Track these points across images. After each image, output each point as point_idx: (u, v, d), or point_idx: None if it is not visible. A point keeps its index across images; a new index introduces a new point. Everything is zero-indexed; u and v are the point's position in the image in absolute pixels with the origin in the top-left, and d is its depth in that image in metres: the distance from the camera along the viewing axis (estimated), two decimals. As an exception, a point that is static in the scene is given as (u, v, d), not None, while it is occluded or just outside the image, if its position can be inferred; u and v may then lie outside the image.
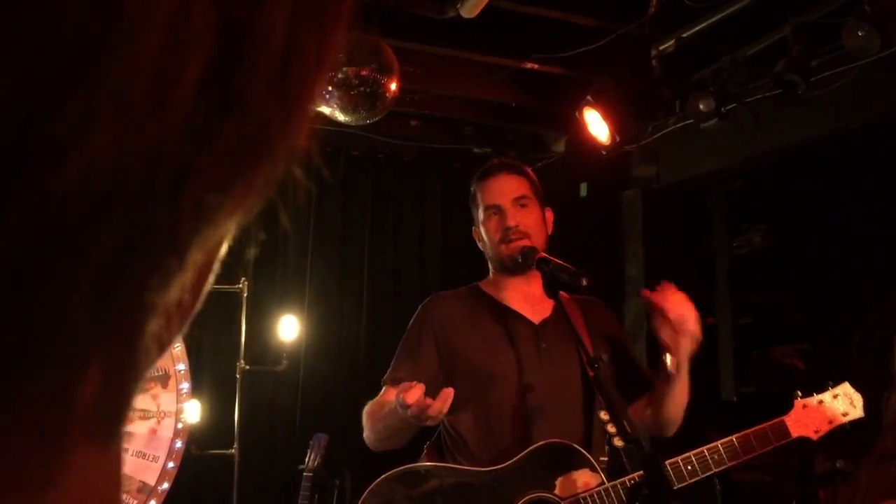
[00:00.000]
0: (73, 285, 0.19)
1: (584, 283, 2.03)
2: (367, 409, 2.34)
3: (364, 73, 3.29)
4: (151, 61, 0.18)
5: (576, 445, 2.19)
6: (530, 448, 2.19)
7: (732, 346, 4.60)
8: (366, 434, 2.31)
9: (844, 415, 2.27)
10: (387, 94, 3.40)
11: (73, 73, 0.17)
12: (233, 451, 3.92)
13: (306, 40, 0.22)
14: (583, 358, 2.24)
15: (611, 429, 1.95)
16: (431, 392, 2.24)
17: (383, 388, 2.36)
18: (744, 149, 4.00)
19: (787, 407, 2.34)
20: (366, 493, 2.23)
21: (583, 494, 2.14)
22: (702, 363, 4.57)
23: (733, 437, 2.18)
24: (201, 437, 3.89)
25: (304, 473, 3.37)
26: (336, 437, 3.63)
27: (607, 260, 4.64)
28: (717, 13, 3.37)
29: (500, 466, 2.21)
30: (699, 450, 2.16)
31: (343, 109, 3.41)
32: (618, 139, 3.99)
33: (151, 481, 3.52)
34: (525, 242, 2.30)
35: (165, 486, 3.53)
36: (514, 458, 2.19)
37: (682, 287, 4.87)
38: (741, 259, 4.67)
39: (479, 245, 2.48)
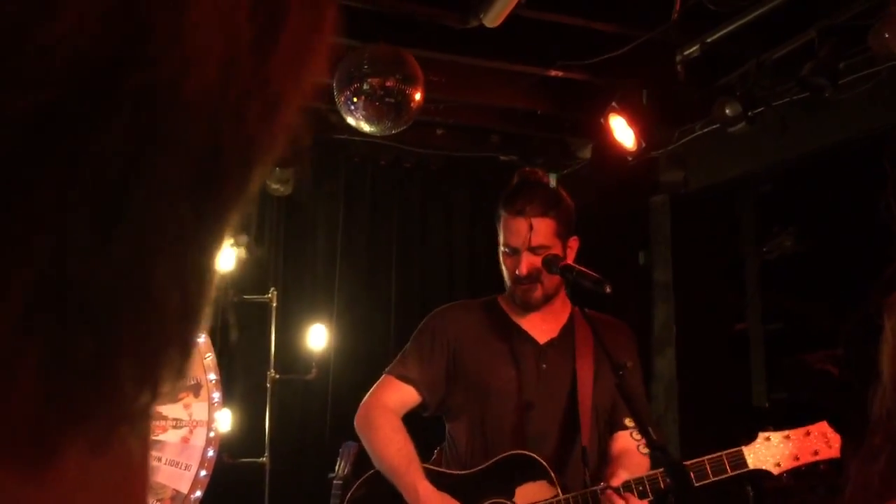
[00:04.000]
0: (174, 183, 0.21)
1: (608, 290, 2.04)
2: (373, 410, 2.39)
3: (389, 83, 3.32)
4: None
5: (539, 459, 2.24)
6: (497, 457, 2.28)
7: (763, 351, 4.56)
8: (366, 439, 2.39)
9: (815, 453, 2.20)
10: (412, 104, 3.43)
11: None
12: (264, 459, 3.95)
13: None
14: (578, 381, 2.30)
15: (636, 436, 1.95)
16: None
17: (386, 377, 2.44)
18: (772, 153, 3.97)
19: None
20: (358, 482, 2.39)
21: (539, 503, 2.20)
22: (732, 368, 4.55)
23: (688, 464, 2.14)
24: (233, 445, 3.94)
25: (335, 481, 3.39)
26: (365, 446, 3.65)
27: (635, 266, 4.63)
28: (741, 17, 3.35)
29: (468, 472, 2.31)
30: (653, 472, 2.14)
31: (368, 120, 3.44)
32: (644, 145, 3.97)
33: (184, 489, 3.57)
34: (536, 291, 2.35)
35: (198, 493, 3.57)
36: (482, 466, 2.29)
37: (712, 292, 4.80)
38: (771, 264, 4.63)
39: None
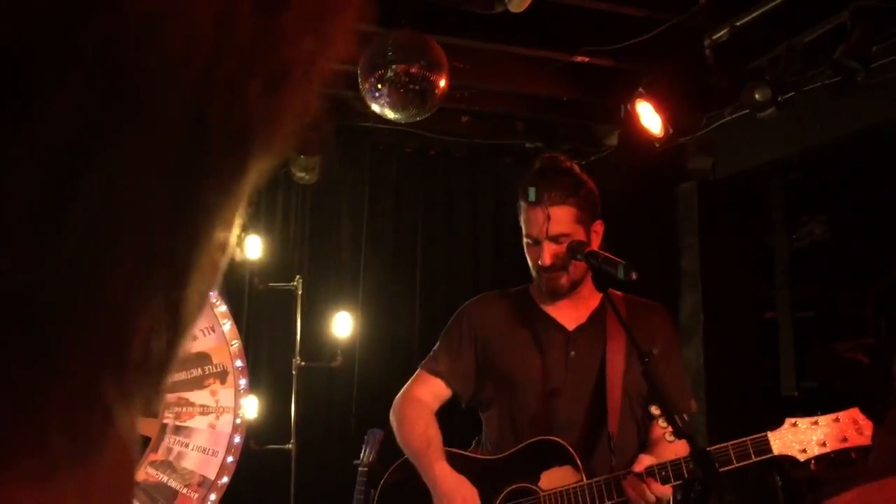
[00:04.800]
0: (143, 161, 0.17)
1: (633, 276, 2.02)
2: (403, 401, 2.47)
3: (413, 70, 3.31)
4: None
5: (565, 444, 2.25)
6: (525, 443, 2.30)
7: (793, 340, 4.51)
8: (395, 428, 2.46)
9: (844, 440, 2.14)
10: (436, 91, 3.41)
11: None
12: (290, 446, 3.98)
13: None
14: (607, 367, 2.30)
15: (662, 424, 1.93)
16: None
17: (418, 371, 2.51)
18: (802, 139, 3.90)
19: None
20: (391, 468, 2.46)
21: (562, 488, 2.21)
22: (761, 358, 4.50)
23: (711, 449, 2.09)
24: (259, 432, 3.97)
25: (360, 468, 3.41)
26: (391, 433, 3.66)
27: (662, 254, 4.58)
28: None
29: (497, 456, 2.34)
30: (676, 459, 2.11)
31: (393, 107, 3.43)
32: (671, 131, 3.93)
33: (211, 475, 3.60)
34: (561, 279, 2.34)
35: (225, 479, 3.60)
36: (510, 451, 2.32)
37: (740, 281, 4.74)
38: (801, 252, 4.57)
39: None
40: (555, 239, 2.30)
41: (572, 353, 2.36)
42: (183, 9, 0.17)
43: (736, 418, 4.09)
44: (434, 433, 2.36)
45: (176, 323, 0.20)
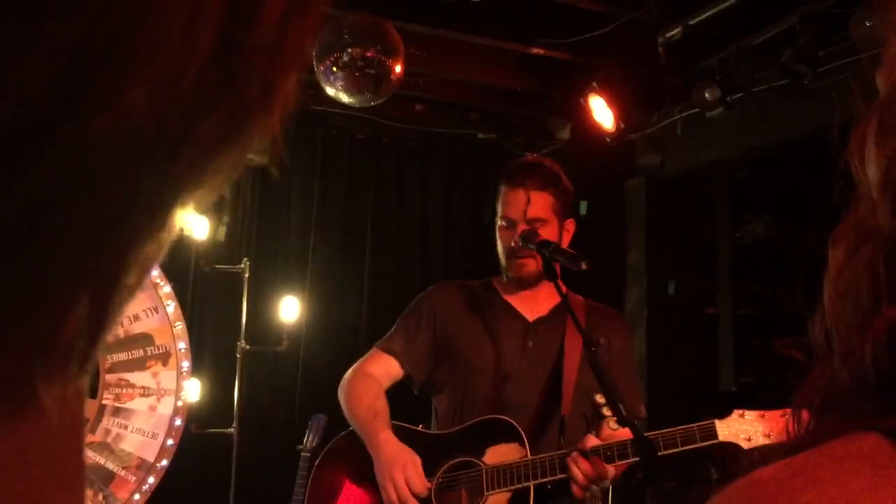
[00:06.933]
0: (85, 226, 0.21)
1: (584, 266, 2.05)
2: (353, 375, 2.47)
3: (369, 54, 3.29)
4: (177, 30, 0.20)
5: (513, 422, 2.27)
6: (476, 420, 2.32)
7: (732, 336, 4.60)
8: (342, 401, 2.45)
9: (789, 434, 2.19)
10: (391, 77, 3.39)
11: (117, 38, 0.19)
12: (232, 430, 3.93)
13: (300, 18, 0.24)
14: (564, 360, 2.32)
15: (606, 412, 1.96)
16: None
17: (372, 349, 2.51)
18: (749, 139, 3.98)
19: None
20: (340, 435, 2.46)
21: (506, 464, 2.24)
22: (702, 352, 4.58)
23: (659, 433, 2.15)
24: (201, 415, 3.91)
25: (303, 454, 3.38)
26: (335, 418, 3.63)
27: (610, 248, 4.64)
28: (725, 0, 3.35)
29: (445, 432, 2.37)
30: (622, 441, 2.12)
31: (347, 91, 3.40)
32: (622, 127, 3.98)
33: (150, 458, 3.54)
34: (530, 266, 2.35)
35: (164, 462, 3.55)
36: (460, 427, 2.35)
37: (684, 276, 4.80)
38: (743, 249, 4.66)
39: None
40: (531, 223, 2.33)
41: (530, 343, 2.39)
42: (127, 121, 0.20)
43: (675, 410, 4.17)
44: (381, 405, 2.37)
45: (100, 319, 0.23)
